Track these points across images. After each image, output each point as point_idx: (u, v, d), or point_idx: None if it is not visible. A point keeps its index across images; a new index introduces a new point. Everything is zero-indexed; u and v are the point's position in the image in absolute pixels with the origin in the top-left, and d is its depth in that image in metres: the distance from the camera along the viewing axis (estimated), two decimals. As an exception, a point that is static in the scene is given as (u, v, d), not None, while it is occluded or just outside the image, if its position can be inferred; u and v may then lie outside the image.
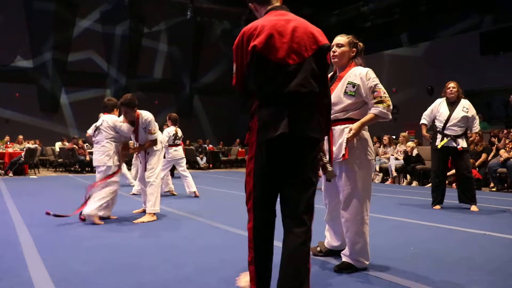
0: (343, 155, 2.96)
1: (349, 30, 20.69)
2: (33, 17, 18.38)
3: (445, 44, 15.50)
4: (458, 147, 6.02)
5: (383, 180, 11.44)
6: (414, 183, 10.50)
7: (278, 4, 2.38)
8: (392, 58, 17.48)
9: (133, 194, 7.89)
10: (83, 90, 19.77)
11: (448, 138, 6.10)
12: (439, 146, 6.17)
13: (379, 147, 12.48)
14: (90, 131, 5.40)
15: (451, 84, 6.25)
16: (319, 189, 2.63)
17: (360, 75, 3.04)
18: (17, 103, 18.49)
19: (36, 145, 14.86)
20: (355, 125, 2.97)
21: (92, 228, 4.67)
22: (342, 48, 3.15)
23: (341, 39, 3.19)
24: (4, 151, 13.44)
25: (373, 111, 3.02)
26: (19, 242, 3.98)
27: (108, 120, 5.23)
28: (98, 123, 5.30)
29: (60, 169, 14.88)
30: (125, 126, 5.22)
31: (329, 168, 2.67)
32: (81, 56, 19.84)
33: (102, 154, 5.13)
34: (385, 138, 12.22)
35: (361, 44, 3.23)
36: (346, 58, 3.16)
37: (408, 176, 10.81)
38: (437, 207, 6.29)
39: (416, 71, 16.27)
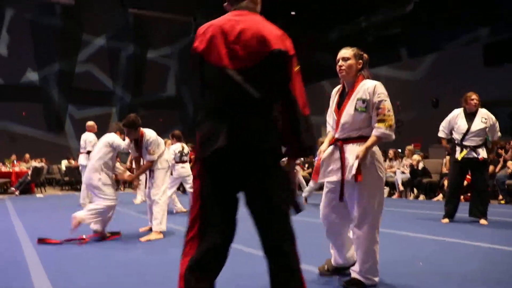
0: (354, 176, 2.88)
1: (351, 45, 20.80)
2: (40, 35, 18.63)
3: (449, 56, 15.51)
4: (479, 157, 5.89)
5: (390, 194, 11.37)
6: (421, 197, 10.43)
7: (247, 2, 2.09)
8: (395, 71, 17.51)
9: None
10: (89, 108, 19.89)
11: (468, 149, 5.98)
12: (459, 158, 6.03)
13: (385, 161, 12.43)
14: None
15: (474, 96, 6.08)
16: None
17: (369, 89, 2.99)
18: (23, 122, 18.63)
19: (43, 164, 14.91)
20: (361, 152, 2.89)
21: (98, 246, 4.66)
22: (349, 62, 3.08)
23: (346, 52, 3.13)
24: (11, 170, 13.50)
25: (375, 133, 2.94)
26: (25, 259, 3.98)
27: (105, 137, 5.25)
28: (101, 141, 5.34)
29: (67, 188, 14.91)
30: (124, 142, 5.26)
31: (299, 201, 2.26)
32: (87, 74, 20.03)
33: (89, 170, 5.11)
34: (391, 152, 12.18)
35: (366, 55, 3.19)
36: (353, 71, 3.09)
37: (415, 190, 10.74)
38: (446, 220, 6.21)
39: (420, 83, 16.27)
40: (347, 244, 3.22)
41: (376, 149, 3.01)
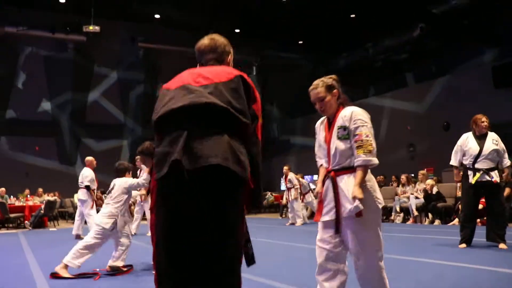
0: (356, 212, 2.69)
1: (359, 71, 20.85)
2: (53, 70, 19.01)
3: (458, 79, 15.52)
4: (493, 180, 5.78)
5: (404, 220, 11.21)
6: (437, 222, 10.27)
7: (213, 63, 2.18)
8: (404, 96, 17.52)
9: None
10: (101, 141, 20.07)
11: (481, 172, 5.87)
12: (472, 182, 5.91)
13: (397, 186, 12.31)
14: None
15: (484, 118, 6.04)
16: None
17: (346, 117, 2.82)
18: (36, 156, 18.83)
19: (55, 198, 14.99)
20: (354, 192, 2.68)
21: (113, 281, 4.62)
22: (325, 100, 2.89)
23: (317, 91, 2.90)
24: (24, 204, 13.58)
25: (356, 163, 2.74)
26: (39, 297, 3.95)
27: (119, 183, 5.26)
28: (110, 187, 5.32)
29: (79, 221, 14.89)
30: (142, 177, 5.27)
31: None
32: (98, 107, 20.29)
33: (104, 215, 5.13)
34: (403, 177, 12.06)
35: (334, 77, 2.97)
36: (333, 104, 2.91)
37: (430, 215, 10.58)
38: (463, 245, 6.08)
39: (431, 107, 16.24)
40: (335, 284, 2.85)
41: (370, 177, 2.82)
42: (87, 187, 9.21)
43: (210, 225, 1.72)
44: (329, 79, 2.93)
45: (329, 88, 2.89)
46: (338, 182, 2.79)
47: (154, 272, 1.81)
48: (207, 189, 1.72)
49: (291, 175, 11.71)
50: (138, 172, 8.86)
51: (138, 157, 8.18)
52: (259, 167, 1.89)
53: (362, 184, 2.72)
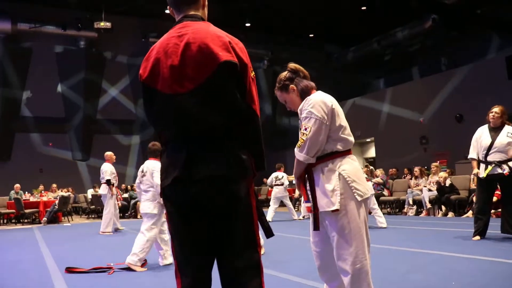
0: (333, 207, 2.45)
1: (370, 63, 20.66)
2: (65, 67, 19.15)
3: (471, 70, 15.33)
4: (505, 172, 5.66)
5: (417, 213, 11.14)
6: (450, 214, 10.19)
7: (193, 12, 1.89)
8: (417, 88, 17.37)
9: None
10: (113, 134, 20.16)
11: (492, 166, 5.77)
12: (484, 176, 5.84)
13: (411, 179, 12.23)
14: (137, 180, 5.41)
15: (494, 109, 5.90)
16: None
17: (300, 109, 2.61)
18: (50, 152, 19.02)
19: (69, 193, 15.16)
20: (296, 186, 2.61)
21: (127, 275, 4.66)
22: (288, 98, 2.75)
23: (276, 94, 2.79)
24: (39, 200, 13.75)
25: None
26: (55, 290, 4.01)
27: (149, 166, 5.24)
28: (143, 170, 5.31)
29: (93, 216, 15.07)
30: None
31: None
32: (113, 103, 20.38)
33: (145, 201, 5.20)
34: (416, 169, 11.98)
35: (290, 67, 2.76)
36: (296, 99, 2.71)
37: (443, 207, 10.51)
38: (477, 237, 6.02)
39: (443, 99, 16.08)
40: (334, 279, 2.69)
41: (349, 166, 2.56)
42: (108, 182, 9.36)
43: (225, 214, 1.76)
44: (284, 75, 2.76)
45: (284, 87, 2.74)
46: (313, 175, 2.58)
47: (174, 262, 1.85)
48: (208, 192, 1.73)
49: None
50: None
51: None
52: (260, 140, 1.84)
53: (298, 174, 2.61)
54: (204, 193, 1.72)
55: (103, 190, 9.52)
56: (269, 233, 1.88)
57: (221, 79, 1.72)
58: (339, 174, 2.49)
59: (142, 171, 5.27)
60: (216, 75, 1.71)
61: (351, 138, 2.65)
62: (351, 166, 2.54)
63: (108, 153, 9.83)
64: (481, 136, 6.01)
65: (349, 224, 2.44)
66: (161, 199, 1.88)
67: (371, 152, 19.99)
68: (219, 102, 1.73)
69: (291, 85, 2.70)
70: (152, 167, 5.15)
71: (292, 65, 2.74)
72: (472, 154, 6.14)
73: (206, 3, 1.97)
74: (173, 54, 1.76)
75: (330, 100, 2.58)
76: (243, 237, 1.77)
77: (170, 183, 1.74)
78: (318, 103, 2.52)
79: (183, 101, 1.72)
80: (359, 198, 2.48)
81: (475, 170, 6.08)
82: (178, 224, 1.80)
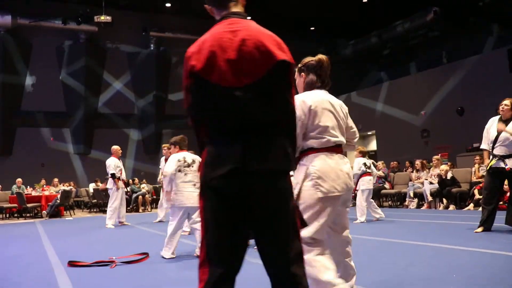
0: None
1: (372, 56, 20.60)
2: (66, 62, 19.13)
3: (473, 63, 15.28)
4: (506, 167, 5.65)
5: (419, 206, 11.15)
6: (451, 207, 10.20)
7: (236, 9, 1.95)
8: (419, 80, 17.33)
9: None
10: (114, 129, 20.16)
11: (496, 159, 5.76)
12: (487, 168, 5.88)
13: (412, 172, 12.24)
14: (170, 170, 5.22)
15: (505, 101, 5.85)
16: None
17: None
18: (52, 146, 19.04)
19: (71, 187, 15.19)
20: None
21: (129, 269, 4.68)
22: (297, 81, 2.97)
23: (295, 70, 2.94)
24: (40, 194, 13.78)
25: None
26: (57, 283, 4.02)
27: (198, 158, 5.24)
28: (188, 161, 5.26)
29: (95, 210, 15.11)
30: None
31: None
32: (113, 98, 20.35)
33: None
34: (417, 162, 11.97)
35: (321, 58, 2.96)
36: (301, 88, 2.96)
37: (445, 200, 10.51)
38: (479, 229, 5.98)
39: (445, 92, 16.04)
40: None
41: (319, 165, 2.65)
42: (113, 175, 9.41)
43: (275, 206, 1.81)
44: (307, 60, 2.98)
45: (299, 70, 3.00)
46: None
47: (200, 258, 1.84)
48: (263, 182, 1.79)
49: None
50: (163, 161, 8.96)
51: (166, 146, 8.29)
52: (296, 136, 1.98)
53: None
54: (258, 185, 1.77)
55: (109, 184, 9.59)
56: (304, 224, 2.03)
57: (276, 77, 1.81)
58: (307, 169, 2.65)
59: (188, 162, 5.23)
60: (273, 73, 1.79)
61: (334, 138, 2.76)
62: (322, 163, 2.67)
63: (114, 147, 9.94)
64: (491, 127, 5.98)
65: (303, 214, 2.52)
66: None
67: (372, 145, 19.98)
68: (272, 98, 1.82)
69: (303, 73, 2.94)
70: (199, 159, 5.23)
71: (322, 57, 2.91)
72: (483, 144, 6.14)
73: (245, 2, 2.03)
74: (228, 49, 1.80)
75: (312, 100, 2.75)
76: (291, 227, 1.84)
77: (225, 174, 1.75)
78: (299, 101, 2.71)
79: (240, 95, 1.77)
80: (320, 194, 2.59)
81: (486, 161, 6.08)
82: (222, 215, 1.80)
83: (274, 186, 1.81)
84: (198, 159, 5.26)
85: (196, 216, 5.12)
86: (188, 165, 5.24)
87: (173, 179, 5.20)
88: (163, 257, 5.13)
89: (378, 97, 18.54)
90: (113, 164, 9.53)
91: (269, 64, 1.79)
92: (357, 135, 3.07)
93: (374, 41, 19.43)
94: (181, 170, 5.18)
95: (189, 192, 5.12)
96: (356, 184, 8.10)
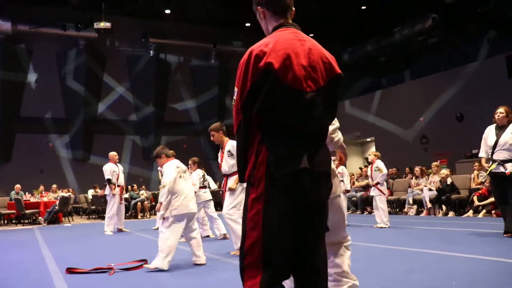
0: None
1: (370, 62, 20.56)
2: (64, 68, 19.16)
3: (472, 69, 15.32)
4: (506, 171, 5.73)
5: (418, 212, 11.13)
6: (451, 214, 10.18)
7: (290, 21, 2.07)
8: (418, 87, 17.36)
9: None
10: (112, 135, 20.15)
11: (496, 164, 5.87)
12: (486, 173, 6.00)
13: (411, 178, 12.23)
14: (171, 178, 5.01)
15: (499, 109, 6.07)
16: None
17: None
18: (50, 153, 19.02)
19: (70, 193, 15.16)
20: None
21: (127, 276, 4.66)
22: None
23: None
24: (39, 200, 13.75)
25: None
26: (55, 291, 4.00)
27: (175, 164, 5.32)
28: (183, 167, 5.23)
29: (93, 216, 15.08)
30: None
31: None
32: (111, 105, 20.37)
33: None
34: (417, 169, 11.95)
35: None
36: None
37: (444, 207, 10.50)
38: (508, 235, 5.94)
39: (444, 98, 16.06)
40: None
41: None
42: (108, 181, 9.43)
43: (323, 210, 2.01)
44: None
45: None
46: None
47: (248, 258, 1.84)
48: (320, 183, 1.94)
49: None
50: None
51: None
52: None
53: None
54: (319, 185, 1.92)
55: (107, 190, 9.61)
56: (327, 228, 2.11)
57: (335, 87, 2.01)
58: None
59: (183, 168, 5.23)
60: (333, 83, 1.99)
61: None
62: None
63: (111, 153, 10.01)
64: (488, 135, 6.14)
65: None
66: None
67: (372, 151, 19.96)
68: (330, 106, 2.00)
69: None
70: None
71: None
72: (481, 153, 6.27)
73: None
74: (300, 55, 1.92)
75: None
76: (325, 226, 2.04)
77: (296, 172, 1.83)
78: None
79: (309, 99, 1.89)
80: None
81: (485, 166, 6.18)
82: (287, 215, 1.85)
83: (327, 188, 2.01)
84: (184, 166, 5.34)
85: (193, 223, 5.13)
86: (184, 171, 5.22)
87: (172, 188, 5.01)
88: (160, 269, 4.79)
89: (378, 103, 18.55)
90: (109, 169, 9.55)
91: (330, 75, 1.98)
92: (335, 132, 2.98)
93: (373, 48, 19.48)
94: (181, 176, 5.12)
95: (191, 198, 5.12)
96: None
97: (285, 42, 1.91)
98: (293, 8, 2.11)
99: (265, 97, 1.86)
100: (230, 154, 5.65)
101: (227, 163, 5.69)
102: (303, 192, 1.85)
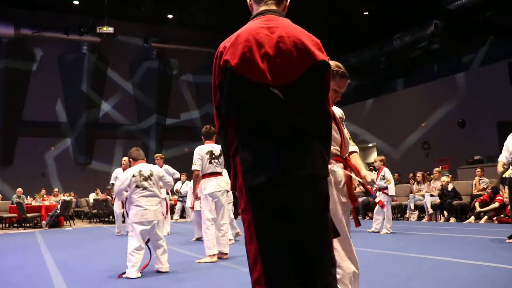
0: None
1: (373, 68, 20.60)
2: (67, 72, 19.23)
3: (474, 76, 15.33)
4: None
5: (419, 218, 11.11)
6: (452, 220, 10.15)
7: (273, 7, 1.88)
8: (420, 93, 17.36)
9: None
10: (115, 139, 20.19)
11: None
12: (505, 176, 5.89)
13: (413, 184, 12.21)
14: (119, 186, 5.15)
15: None
16: None
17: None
18: (52, 156, 19.06)
19: (71, 197, 15.17)
20: None
21: (131, 282, 4.66)
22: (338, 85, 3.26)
23: (338, 76, 3.17)
24: (40, 204, 13.75)
25: None
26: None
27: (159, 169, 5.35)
28: (145, 174, 5.04)
29: (95, 220, 15.07)
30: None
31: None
32: (112, 110, 20.42)
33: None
34: (419, 175, 11.91)
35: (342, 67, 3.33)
36: None
37: (445, 213, 10.47)
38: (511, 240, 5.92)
39: (446, 104, 16.06)
40: None
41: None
42: (113, 185, 9.54)
43: (312, 217, 1.75)
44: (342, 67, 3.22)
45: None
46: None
47: (254, 274, 1.74)
48: (297, 192, 1.71)
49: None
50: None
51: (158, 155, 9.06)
52: (331, 142, 1.89)
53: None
54: (298, 191, 1.70)
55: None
56: (337, 234, 1.97)
57: (315, 78, 1.73)
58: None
59: (145, 175, 4.99)
60: (311, 73, 1.72)
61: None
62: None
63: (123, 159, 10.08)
64: (509, 140, 5.99)
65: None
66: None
67: (373, 157, 19.94)
68: (310, 99, 1.73)
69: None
70: (158, 170, 5.26)
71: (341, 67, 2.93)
72: (501, 156, 6.09)
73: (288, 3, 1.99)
74: (266, 45, 1.72)
75: None
76: (327, 236, 1.80)
77: (265, 182, 1.67)
78: None
79: (277, 93, 1.68)
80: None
81: (499, 169, 6.04)
82: (270, 224, 1.70)
83: (314, 192, 1.73)
84: (155, 170, 5.14)
85: (160, 231, 4.96)
86: (147, 178, 4.98)
87: (121, 195, 5.20)
88: (128, 277, 4.65)
89: (379, 109, 18.55)
90: (114, 174, 9.61)
91: (308, 64, 1.72)
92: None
93: (375, 53, 19.49)
94: (138, 186, 4.93)
95: (150, 206, 4.89)
96: None
97: (249, 33, 1.74)
98: None
99: (229, 96, 1.72)
100: None
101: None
102: (280, 201, 1.69)
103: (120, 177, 5.14)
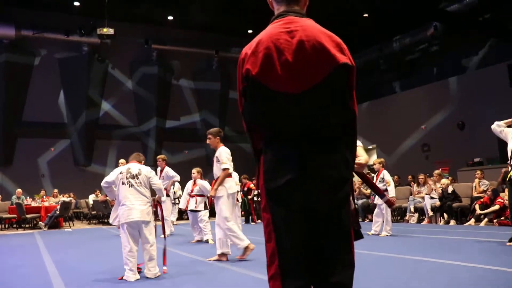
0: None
1: (372, 70, 20.64)
2: (67, 73, 19.23)
3: (474, 78, 15.34)
4: None
5: (419, 221, 11.10)
6: (452, 222, 10.14)
7: (296, 7, 1.87)
8: (420, 95, 17.37)
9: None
10: (115, 140, 20.18)
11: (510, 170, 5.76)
12: (506, 178, 5.86)
13: (412, 186, 12.19)
14: (106, 179, 5.10)
15: None
16: None
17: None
18: (51, 157, 19.04)
19: (71, 198, 15.16)
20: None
21: (131, 283, 4.65)
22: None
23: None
24: (40, 205, 13.75)
25: None
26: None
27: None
28: (133, 172, 4.98)
29: (94, 221, 15.06)
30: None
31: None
32: (112, 112, 20.42)
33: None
34: (421, 177, 11.83)
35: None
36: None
37: (445, 215, 10.46)
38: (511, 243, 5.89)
39: (446, 106, 16.07)
40: None
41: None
42: None
43: (331, 219, 1.76)
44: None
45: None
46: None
47: (270, 270, 1.78)
48: (317, 194, 1.73)
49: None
50: (159, 172, 9.01)
51: (161, 157, 9.21)
52: (356, 143, 1.86)
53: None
54: (320, 194, 1.72)
55: None
56: (359, 236, 1.94)
57: (337, 81, 1.72)
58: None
59: (132, 173, 4.95)
60: (333, 77, 1.71)
61: None
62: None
63: (120, 161, 10.03)
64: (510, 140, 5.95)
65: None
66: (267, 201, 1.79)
67: (373, 159, 19.93)
68: (333, 103, 1.73)
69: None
70: (147, 170, 5.13)
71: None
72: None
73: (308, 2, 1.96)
74: (285, 51, 1.72)
75: None
76: (347, 239, 1.80)
77: (284, 184, 1.71)
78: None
79: (299, 101, 1.70)
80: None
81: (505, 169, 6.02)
82: (288, 224, 1.75)
83: (336, 195, 1.75)
84: (145, 170, 5.03)
85: (149, 234, 4.83)
86: (134, 177, 4.90)
87: (109, 190, 5.07)
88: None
89: (379, 111, 18.55)
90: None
91: (329, 67, 1.70)
92: None
93: (375, 55, 19.51)
94: (124, 183, 4.88)
95: (136, 205, 4.79)
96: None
97: (269, 39, 1.75)
98: None
99: (251, 103, 1.77)
100: (217, 160, 5.81)
101: (217, 168, 5.82)
102: (298, 202, 1.72)
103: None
